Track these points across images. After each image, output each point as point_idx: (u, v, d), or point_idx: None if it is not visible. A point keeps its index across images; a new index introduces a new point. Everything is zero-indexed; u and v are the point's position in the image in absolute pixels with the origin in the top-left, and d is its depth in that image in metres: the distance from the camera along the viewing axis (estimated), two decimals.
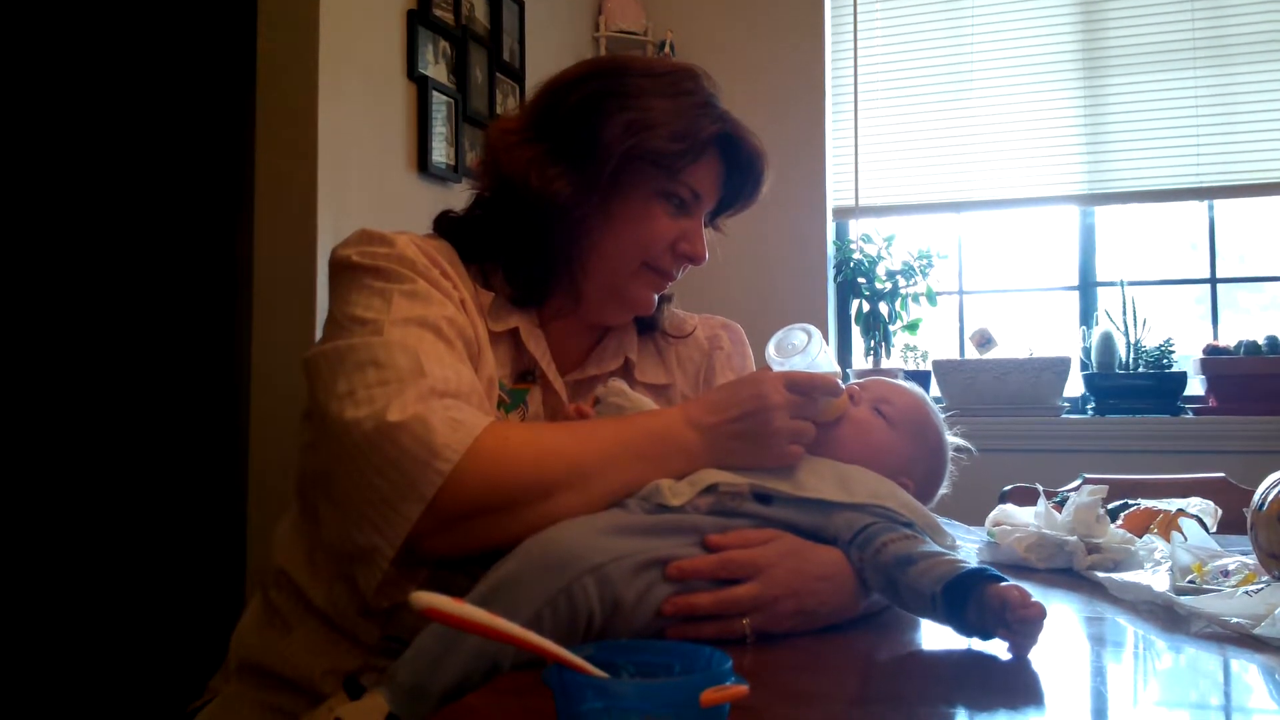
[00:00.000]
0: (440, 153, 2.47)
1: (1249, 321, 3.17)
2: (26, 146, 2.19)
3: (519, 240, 1.10)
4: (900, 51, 3.36)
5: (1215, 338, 3.08)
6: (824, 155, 3.33)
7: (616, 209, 1.09)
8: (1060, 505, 1.27)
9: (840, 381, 1.00)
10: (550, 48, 3.07)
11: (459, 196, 1.19)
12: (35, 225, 2.20)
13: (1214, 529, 1.35)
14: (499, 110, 2.74)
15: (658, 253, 1.12)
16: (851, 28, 3.37)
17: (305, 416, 1.06)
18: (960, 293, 3.39)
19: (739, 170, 1.16)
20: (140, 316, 2.28)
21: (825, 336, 1.06)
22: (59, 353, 2.21)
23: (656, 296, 1.17)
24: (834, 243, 3.36)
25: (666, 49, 3.33)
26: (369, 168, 2.25)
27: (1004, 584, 0.79)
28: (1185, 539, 1.13)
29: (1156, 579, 1.04)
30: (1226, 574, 1.02)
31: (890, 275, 3.21)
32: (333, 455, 0.91)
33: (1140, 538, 1.24)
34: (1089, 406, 3.06)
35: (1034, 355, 2.99)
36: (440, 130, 2.48)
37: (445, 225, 1.15)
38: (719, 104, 1.12)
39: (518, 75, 2.86)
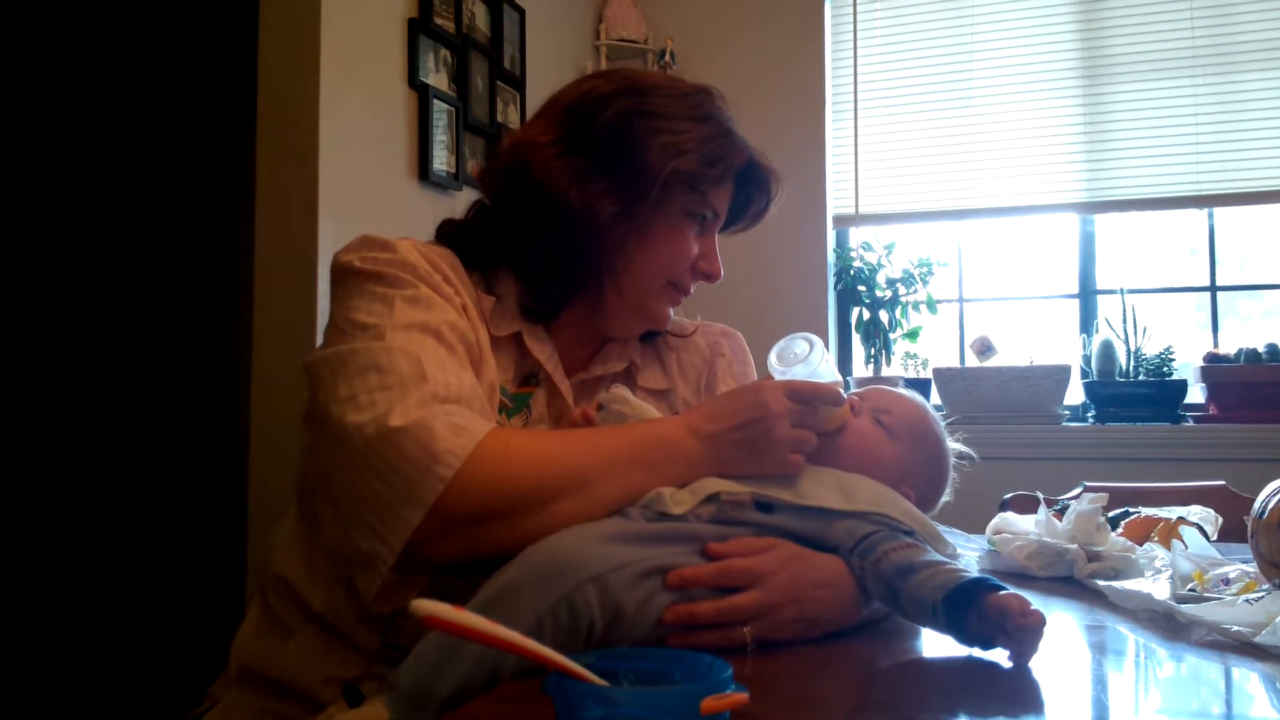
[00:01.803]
0: (441, 161, 2.48)
1: (1249, 329, 3.17)
2: (28, 154, 2.19)
3: (543, 254, 1.10)
4: (900, 59, 3.37)
5: (1215, 345, 3.08)
6: (824, 163, 3.34)
7: (653, 229, 1.10)
8: (1061, 513, 1.27)
9: (842, 390, 1.00)
10: (551, 56, 3.07)
11: (460, 204, 1.20)
12: (37, 231, 2.20)
13: (1215, 537, 1.35)
14: (500, 118, 2.75)
15: (682, 271, 1.14)
16: (851, 36, 3.38)
17: (306, 420, 1.06)
18: (960, 300, 3.39)
19: (748, 191, 1.19)
20: (142, 321, 2.28)
21: (826, 345, 1.06)
22: (61, 358, 2.21)
23: (671, 311, 1.19)
24: (834, 251, 3.37)
25: (667, 57, 3.34)
26: (370, 175, 2.26)
27: (1003, 593, 0.79)
28: (1186, 547, 1.13)
29: (1157, 587, 1.03)
30: (1227, 582, 1.02)
31: (890, 283, 3.21)
32: (334, 460, 0.91)
33: (1141, 546, 1.24)
34: (1089, 414, 3.06)
35: (1034, 363, 2.99)
36: (441, 138, 2.48)
37: (448, 233, 1.15)
38: (736, 129, 1.14)
39: (519, 83, 2.87)
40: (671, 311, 1.19)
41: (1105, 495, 1.25)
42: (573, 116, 1.11)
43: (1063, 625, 0.99)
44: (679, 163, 1.07)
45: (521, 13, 2.90)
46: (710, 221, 1.15)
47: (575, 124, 1.10)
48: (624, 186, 1.07)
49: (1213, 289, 3.17)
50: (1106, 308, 3.18)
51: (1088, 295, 3.26)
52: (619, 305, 1.14)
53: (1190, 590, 1.02)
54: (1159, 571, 1.12)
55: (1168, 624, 0.95)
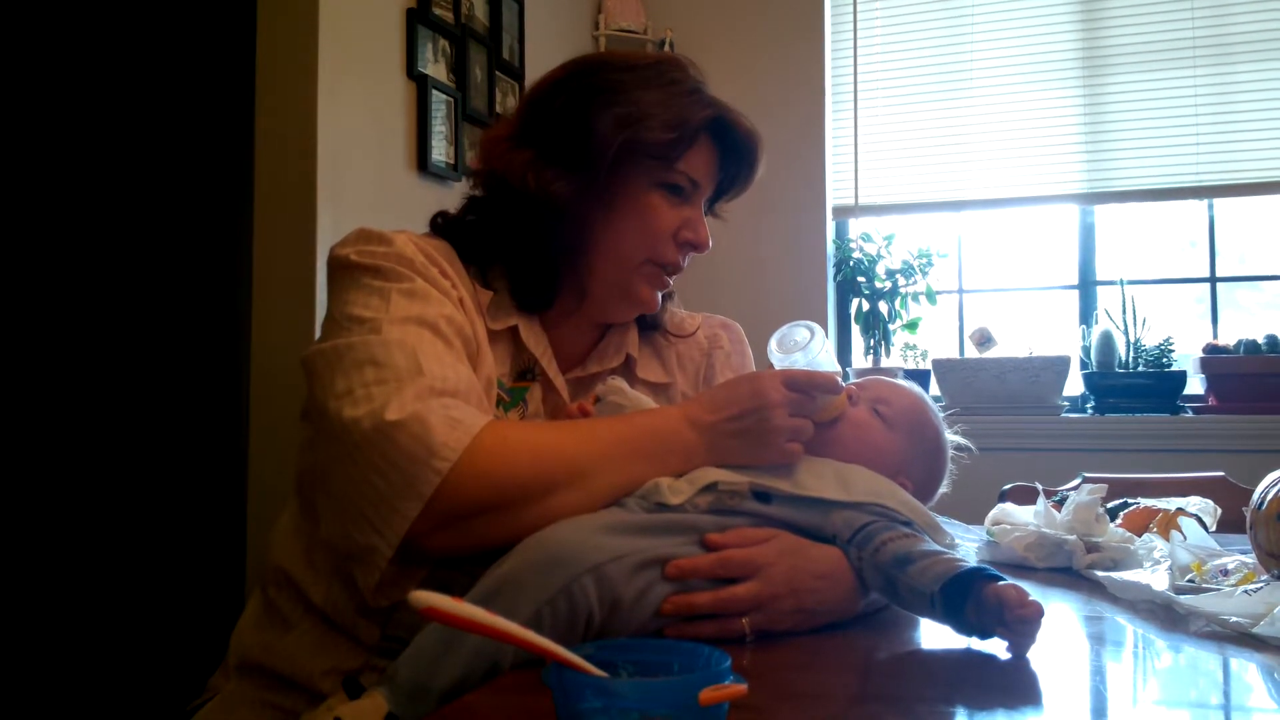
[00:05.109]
0: (440, 151, 2.47)
1: (1249, 320, 3.17)
2: (26, 147, 2.18)
3: (521, 245, 1.10)
4: (900, 50, 3.36)
5: (1215, 336, 3.08)
6: (824, 154, 3.33)
7: (618, 204, 1.09)
8: (1060, 504, 1.27)
9: (840, 379, 1.00)
10: (550, 46, 3.06)
11: (459, 195, 1.20)
12: (35, 225, 2.19)
13: (1213, 528, 1.35)
14: (499, 109, 2.74)
15: (660, 245, 1.12)
16: (851, 26, 3.37)
17: (304, 415, 1.06)
18: (960, 292, 3.39)
19: (733, 154, 1.15)
20: (140, 315, 2.28)
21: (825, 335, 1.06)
22: (59, 352, 2.21)
23: (660, 295, 1.17)
24: (834, 242, 3.36)
25: (666, 47, 3.33)
26: (369, 167, 2.25)
27: (1001, 583, 0.79)
28: (1184, 538, 1.13)
29: (1156, 578, 1.04)
30: (1226, 573, 1.02)
31: (890, 274, 3.21)
32: (331, 454, 0.91)
33: (1140, 537, 1.24)
34: (1088, 405, 3.06)
35: (1033, 354, 2.99)
36: (440, 129, 2.48)
37: (441, 226, 1.15)
38: (708, 90, 1.12)
39: (517, 74, 2.86)
40: (660, 296, 1.17)
41: (1104, 486, 1.26)
42: (530, 107, 1.13)
43: (1061, 616, 0.99)
44: (634, 131, 1.06)
45: (520, 3, 2.89)
46: (690, 190, 1.12)
47: (532, 113, 1.12)
48: (576, 164, 1.07)
49: (1212, 280, 3.16)
50: (1106, 299, 3.18)
51: (1087, 286, 3.26)
52: (601, 288, 1.13)
53: (1189, 581, 1.02)
54: (1158, 562, 1.12)
55: (1166, 615, 0.95)
